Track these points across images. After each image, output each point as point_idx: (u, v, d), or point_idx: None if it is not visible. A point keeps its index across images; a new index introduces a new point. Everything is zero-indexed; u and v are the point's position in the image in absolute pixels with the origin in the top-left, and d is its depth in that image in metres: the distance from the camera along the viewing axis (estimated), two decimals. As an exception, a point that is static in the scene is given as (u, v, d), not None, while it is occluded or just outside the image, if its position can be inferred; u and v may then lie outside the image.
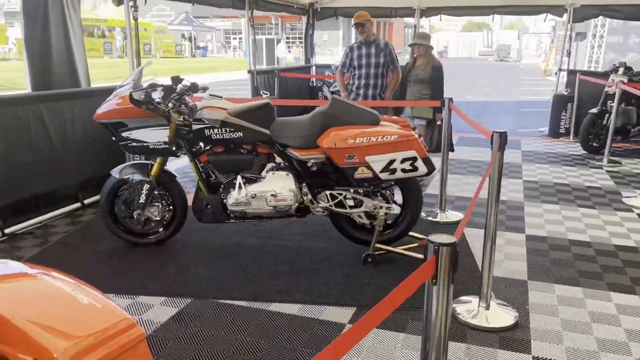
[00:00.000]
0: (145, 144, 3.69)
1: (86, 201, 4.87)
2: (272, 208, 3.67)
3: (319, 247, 4.00)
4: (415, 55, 5.95)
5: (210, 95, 3.80)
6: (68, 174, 4.69)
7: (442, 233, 1.36)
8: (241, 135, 3.64)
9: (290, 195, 3.64)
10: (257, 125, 3.65)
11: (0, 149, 4.06)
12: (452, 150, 5.71)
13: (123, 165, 3.88)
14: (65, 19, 5.05)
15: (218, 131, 3.62)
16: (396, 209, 3.87)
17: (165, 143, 3.68)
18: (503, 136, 2.83)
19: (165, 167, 3.87)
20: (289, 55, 31.62)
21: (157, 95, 3.61)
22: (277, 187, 3.65)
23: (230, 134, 3.63)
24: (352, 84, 5.96)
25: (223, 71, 25.44)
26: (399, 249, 3.77)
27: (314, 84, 10.58)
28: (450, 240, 1.32)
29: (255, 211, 3.71)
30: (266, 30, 41.62)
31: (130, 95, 3.50)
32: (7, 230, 4.13)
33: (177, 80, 3.72)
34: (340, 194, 3.69)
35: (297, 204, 3.69)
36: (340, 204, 3.70)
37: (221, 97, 3.81)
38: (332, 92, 9.49)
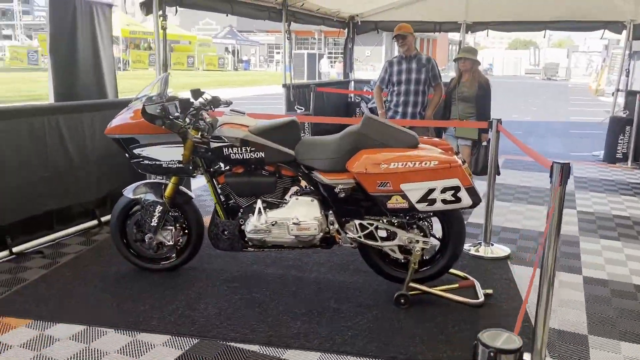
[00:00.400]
0: (158, 163, 3.38)
1: (103, 219, 4.61)
2: (294, 237, 3.29)
3: (346, 281, 3.58)
4: (460, 71, 5.51)
5: (231, 110, 3.47)
6: (85, 189, 4.44)
7: (497, 329, 0.93)
8: (263, 155, 3.29)
9: (314, 223, 3.25)
10: (280, 145, 3.29)
11: (13, 162, 3.84)
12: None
13: (136, 183, 3.58)
14: (94, 30, 4.86)
15: (237, 150, 3.28)
16: (435, 243, 3.43)
17: (180, 162, 3.36)
18: (565, 168, 2.36)
19: (180, 187, 3.55)
20: (331, 71, 31.46)
21: (173, 110, 3.30)
22: (300, 214, 3.27)
23: (251, 153, 3.28)
24: (390, 100, 5.55)
25: (262, 85, 25.43)
26: (436, 290, 3.31)
27: (352, 100, 10.21)
28: (512, 343, 0.90)
29: (275, 240, 3.33)
30: (309, 45, 41.71)
31: (143, 109, 3.21)
32: (15, 249, 3.88)
33: (197, 93, 3.41)
34: (371, 224, 3.27)
35: (322, 234, 3.30)
36: (371, 236, 3.29)
37: (243, 113, 3.47)
38: (371, 109, 9.09)
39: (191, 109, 3.28)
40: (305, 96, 8.04)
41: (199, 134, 3.31)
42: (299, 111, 7.50)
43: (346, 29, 9.86)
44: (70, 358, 2.63)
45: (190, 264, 3.71)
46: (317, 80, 16.53)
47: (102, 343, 2.77)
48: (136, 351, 2.71)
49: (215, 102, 3.50)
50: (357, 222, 3.28)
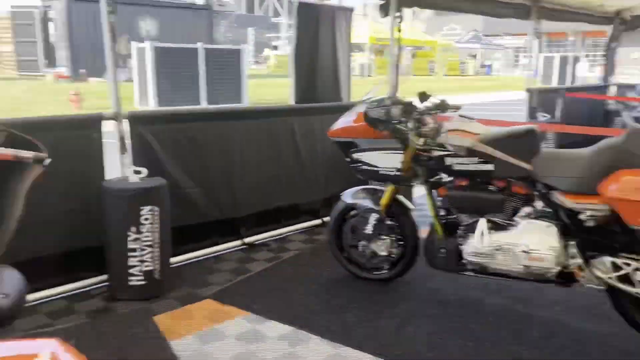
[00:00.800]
0: (375, 169, 3.22)
1: (326, 219, 4.69)
2: (522, 267, 2.80)
3: (586, 330, 2.92)
4: None
5: (460, 116, 3.12)
6: (312, 189, 4.58)
7: None
8: (492, 168, 2.87)
9: (550, 254, 2.70)
10: (514, 157, 2.83)
11: (252, 159, 4.13)
12: None
13: (355, 188, 3.49)
14: (334, 34, 5.00)
15: (462, 160, 2.92)
16: None
17: (398, 169, 3.14)
18: None
19: (398, 196, 3.34)
20: (590, 76, 28.11)
21: (396, 114, 3.10)
22: (532, 241, 2.75)
23: (478, 165, 2.89)
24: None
25: (504, 90, 23.93)
26: None
27: (612, 108, 8.75)
28: None
29: (499, 268, 2.88)
30: (561, 48, 38.00)
31: (365, 113, 3.08)
32: (247, 240, 4.17)
33: (423, 96, 3.16)
34: (628, 265, 2.58)
35: (559, 268, 2.73)
36: (626, 278, 2.60)
37: (472, 119, 3.09)
38: (636, 119, 7.64)
39: (414, 113, 3.03)
40: (552, 102, 7.13)
41: (422, 140, 3.05)
42: (542, 119, 6.67)
43: (611, 25, 8.49)
44: None
45: (403, 278, 3.48)
46: (565, 85, 14.69)
47: (305, 349, 2.72)
48: (337, 365, 2.58)
49: (442, 106, 3.20)
50: (608, 259, 2.63)
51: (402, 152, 3.11)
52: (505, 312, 3.11)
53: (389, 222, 3.37)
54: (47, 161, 1.98)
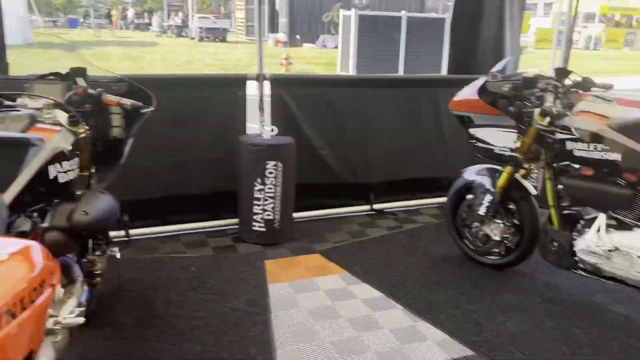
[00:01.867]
0: (490, 147, 3.02)
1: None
2: (642, 276, 2.41)
3: None
4: None
5: (595, 96, 2.73)
6: (452, 164, 4.41)
7: None
8: (619, 158, 2.49)
9: (675, 266, 2.28)
10: (654, 148, 2.41)
11: (389, 127, 4.17)
12: None
13: (478, 166, 3.31)
14: (503, 5, 4.68)
15: (586, 147, 2.58)
16: None
17: (513, 150, 2.90)
18: None
19: (520, 179, 3.08)
20: None
21: (512, 89, 2.82)
22: (656, 247, 2.34)
23: (602, 153, 2.53)
24: None
25: None
26: None
27: None
28: None
29: (615, 271, 2.52)
30: None
31: (483, 86, 2.89)
32: (375, 206, 4.27)
33: (562, 73, 2.86)
34: None
35: (686, 284, 2.29)
36: None
37: (610, 100, 2.68)
38: None
39: (535, 89, 2.74)
40: None
41: (547, 120, 2.75)
42: None
43: None
44: (353, 319, 2.73)
45: (519, 268, 3.24)
46: None
47: (384, 315, 2.77)
48: (409, 338, 2.58)
49: (584, 85, 2.84)
50: None
51: (517, 131, 2.85)
52: (626, 324, 2.72)
53: (507, 206, 3.15)
54: (148, 110, 2.35)
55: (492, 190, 3.12)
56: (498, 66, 3.09)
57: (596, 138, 2.54)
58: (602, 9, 28.49)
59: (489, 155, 3.08)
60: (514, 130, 2.89)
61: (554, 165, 2.82)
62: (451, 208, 3.43)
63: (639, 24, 32.69)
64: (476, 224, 3.23)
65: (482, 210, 3.16)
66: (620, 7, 29.52)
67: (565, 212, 2.81)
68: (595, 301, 2.94)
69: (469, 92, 3.11)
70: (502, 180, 3.08)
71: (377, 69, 14.02)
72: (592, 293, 3.01)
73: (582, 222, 2.70)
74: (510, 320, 2.73)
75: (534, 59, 13.12)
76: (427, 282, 3.14)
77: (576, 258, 2.68)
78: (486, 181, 3.17)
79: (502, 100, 2.87)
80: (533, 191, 3.08)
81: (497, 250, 3.24)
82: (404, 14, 15.15)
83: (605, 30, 29.90)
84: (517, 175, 3.07)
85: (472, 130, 3.11)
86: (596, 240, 2.55)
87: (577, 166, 2.69)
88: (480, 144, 3.09)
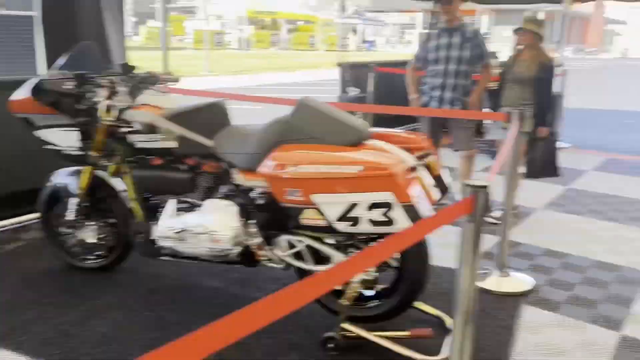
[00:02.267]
0: (57, 148, 2.91)
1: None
2: (207, 249, 2.63)
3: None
4: (518, 46, 4.38)
5: (153, 89, 2.87)
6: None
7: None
8: (176, 145, 2.67)
9: (227, 235, 2.55)
10: (199, 134, 2.64)
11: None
12: (556, 175, 4.20)
13: (64, 170, 3.14)
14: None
15: (146, 137, 2.69)
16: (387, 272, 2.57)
17: (80, 148, 2.85)
18: None
19: (102, 178, 3.04)
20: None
21: (65, 87, 2.76)
22: (212, 221, 2.59)
23: (159, 142, 2.67)
24: (424, 83, 4.56)
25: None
26: (374, 335, 2.46)
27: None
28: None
29: (189, 250, 2.70)
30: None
31: (39, 85, 2.73)
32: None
33: (127, 68, 2.89)
34: (301, 242, 2.51)
35: (240, 248, 2.60)
36: (301, 256, 2.53)
37: (167, 93, 2.86)
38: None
39: (91, 85, 2.73)
40: (363, 77, 7.14)
41: (112, 115, 2.76)
42: (352, 93, 6.68)
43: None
44: None
45: (125, 265, 3.23)
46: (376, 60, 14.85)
47: (-49, 357, 2.38)
48: (-27, 374, 2.28)
49: (149, 79, 2.94)
50: (284, 237, 2.54)
51: (80, 129, 2.81)
52: (215, 295, 2.97)
53: (95, 207, 3.08)
54: None
55: (75, 193, 3.00)
56: (59, 62, 2.96)
57: (152, 128, 2.66)
58: (249, 12, 31.54)
59: (61, 157, 2.94)
60: (75, 129, 2.82)
61: (130, 159, 2.87)
62: (45, 219, 3.19)
63: (280, 25, 37.53)
64: (69, 230, 3.08)
65: (71, 215, 3.02)
66: (265, 11, 33.24)
67: (150, 203, 2.89)
68: (192, 281, 3.14)
69: (23, 93, 2.89)
70: (83, 181, 2.99)
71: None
72: (192, 275, 3.21)
73: (160, 210, 2.82)
74: (105, 322, 2.68)
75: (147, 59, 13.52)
76: (16, 304, 2.84)
77: (157, 245, 2.79)
78: (70, 184, 3.04)
79: (64, 99, 2.76)
80: (119, 188, 3.08)
81: (100, 252, 3.16)
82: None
83: (254, 32, 33.29)
84: (104, 174, 3.02)
85: (38, 133, 2.92)
86: (169, 224, 2.68)
87: (147, 157, 2.79)
88: (49, 147, 2.92)
